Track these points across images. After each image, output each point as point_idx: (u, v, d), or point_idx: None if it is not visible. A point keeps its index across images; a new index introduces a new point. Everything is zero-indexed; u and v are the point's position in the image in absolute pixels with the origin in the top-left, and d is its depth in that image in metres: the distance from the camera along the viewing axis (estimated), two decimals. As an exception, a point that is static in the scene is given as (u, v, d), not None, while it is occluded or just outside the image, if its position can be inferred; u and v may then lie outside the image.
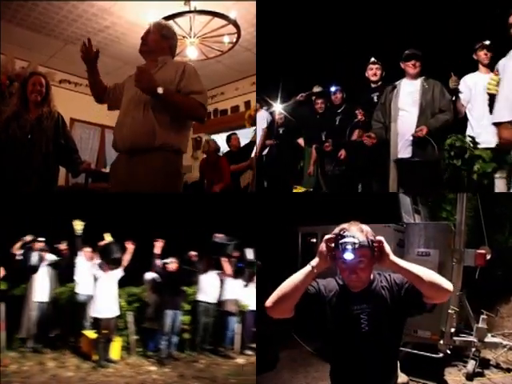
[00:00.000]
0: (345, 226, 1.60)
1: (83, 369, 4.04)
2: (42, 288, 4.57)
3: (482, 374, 3.92)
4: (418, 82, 3.96)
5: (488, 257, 3.96)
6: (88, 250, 4.58)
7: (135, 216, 5.13)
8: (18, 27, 6.03)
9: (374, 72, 4.55)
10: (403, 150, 3.94)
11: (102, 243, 4.39)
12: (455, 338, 3.94)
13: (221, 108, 8.98)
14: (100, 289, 4.26)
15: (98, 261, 4.31)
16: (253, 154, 6.10)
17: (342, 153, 4.70)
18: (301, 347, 4.64)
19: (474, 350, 3.90)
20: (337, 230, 1.59)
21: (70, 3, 5.50)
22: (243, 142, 8.40)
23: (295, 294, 1.56)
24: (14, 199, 4.20)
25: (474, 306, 4.16)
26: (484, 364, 4.07)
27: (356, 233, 1.55)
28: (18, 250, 4.52)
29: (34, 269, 4.56)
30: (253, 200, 4.86)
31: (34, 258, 4.59)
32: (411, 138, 3.88)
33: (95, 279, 4.30)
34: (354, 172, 4.63)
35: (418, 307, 1.60)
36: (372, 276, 1.66)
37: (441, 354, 3.88)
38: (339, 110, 5.03)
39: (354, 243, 1.50)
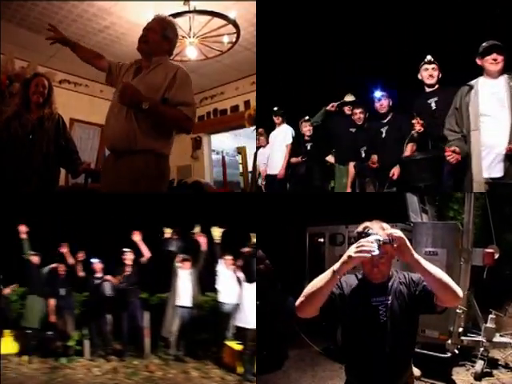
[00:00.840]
0: (367, 224, 1.73)
1: (228, 381, 3.84)
2: (184, 292, 4.43)
3: (490, 374, 3.91)
4: (502, 81, 3.18)
5: (496, 256, 3.95)
6: (229, 257, 4.38)
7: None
8: (17, 27, 5.96)
9: (429, 73, 3.76)
10: (492, 167, 3.13)
11: (245, 251, 4.17)
12: (463, 338, 3.93)
13: (220, 108, 8.96)
14: (247, 298, 3.99)
15: (240, 267, 4.15)
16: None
17: (395, 171, 3.91)
18: (309, 347, 4.63)
19: (482, 349, 3.88)
20: (360, 228, 1.73)
21: (69, 3, 5.45)
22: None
23: (320, 298, 1.66)
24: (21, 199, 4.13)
25: (482, 306, 4.15)
26: (492, 364, 4.06)
27: (379, 231, 1.68)
28: (167, 234, 4.65)
29: (173, 255, 4.52)
30: (262, 200, 4.75)
31: (173, 245, 4.64)
32: (503, 152, 3.08)
33: (240, 288, 4.11)
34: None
35: (429, 307, 1.69)
36: (391, 272, 1.78)
37: (449, 354, 3.87)
38: (385, 120, 4.26)
39: (379, 240, 1.59)
